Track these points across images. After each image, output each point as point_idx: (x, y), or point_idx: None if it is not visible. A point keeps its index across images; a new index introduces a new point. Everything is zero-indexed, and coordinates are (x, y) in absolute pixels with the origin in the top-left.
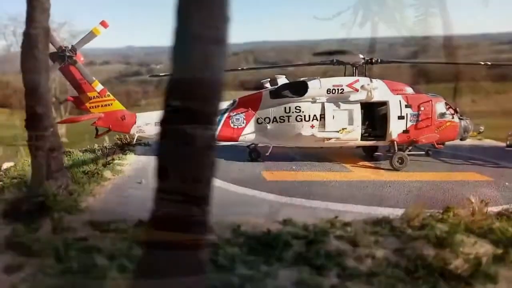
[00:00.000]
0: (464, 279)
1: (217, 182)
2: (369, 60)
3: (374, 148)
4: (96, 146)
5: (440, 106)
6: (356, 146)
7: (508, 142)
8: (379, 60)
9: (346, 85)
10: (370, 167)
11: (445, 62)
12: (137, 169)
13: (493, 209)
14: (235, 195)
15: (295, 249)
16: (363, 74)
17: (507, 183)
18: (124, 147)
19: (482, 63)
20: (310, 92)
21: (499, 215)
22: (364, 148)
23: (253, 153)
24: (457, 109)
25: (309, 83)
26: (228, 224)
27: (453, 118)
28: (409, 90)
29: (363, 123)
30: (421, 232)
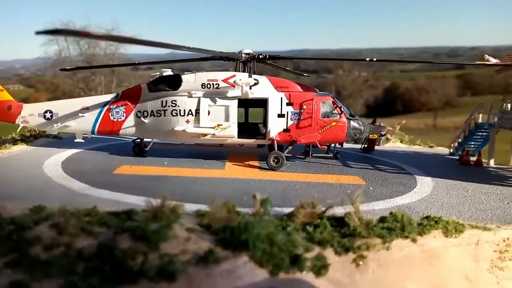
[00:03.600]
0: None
1: (51, 171)
2: (257, 56)
3: (280, 148)
4: None
5: (325, 105)
6: (241, 144)
7: (450, 150)
8: (267, 56)
9: (222, 80)
10: (252, 166)
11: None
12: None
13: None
14: (50, 181)
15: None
16: (251, 70)
17: (371, 188)
18: (26, 138)
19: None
20: (184, 86)
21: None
22: (270, 147)
23: (136, 148)
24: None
25: (183, 77)
26: None
27: (339, 118)
28: (296, 87)
29: (242, 120)
30: (132, 223)
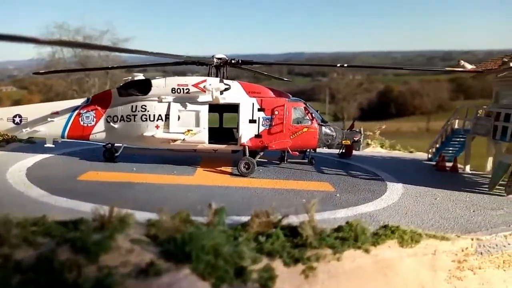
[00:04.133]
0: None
1: (14, 177)
2: (229, 61)
3: (254, 153)
4: None
5: (297, 111)
6: (214, 150)
7: (429, 156)
8: (239, 61)
9: (192, 85)
10: (223, 172)
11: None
12: None
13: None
14: (9, 188)
15: None
16: (224, 75)
17: (338, 195)
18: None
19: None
20: (154, 90)
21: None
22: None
23: (106, 153)
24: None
25: (153, 82)
26: None
27: (311, 124)
28: (269, 93)
29: (216, 125)
30: (75, 234)
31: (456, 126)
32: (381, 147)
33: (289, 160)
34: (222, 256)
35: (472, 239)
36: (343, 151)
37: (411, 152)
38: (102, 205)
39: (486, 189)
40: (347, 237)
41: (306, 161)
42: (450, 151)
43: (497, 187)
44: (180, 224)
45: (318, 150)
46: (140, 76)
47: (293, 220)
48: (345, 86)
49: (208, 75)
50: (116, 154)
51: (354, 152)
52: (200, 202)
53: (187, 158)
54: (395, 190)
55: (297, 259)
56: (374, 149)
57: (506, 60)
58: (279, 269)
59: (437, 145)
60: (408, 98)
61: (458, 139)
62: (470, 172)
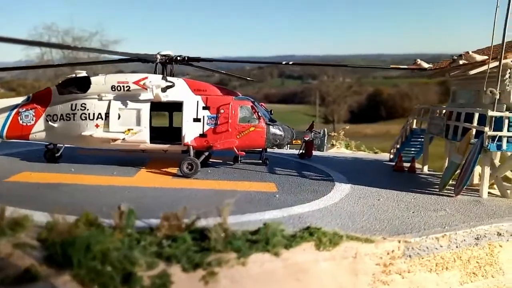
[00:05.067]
0: None
1: None
2: (175, 58)
3: (207, 155)
4: None
5: (243, 110)
6: (164, 150)
7: (390, 156)
8: (186, 58)
9: (133, 82)
10: (168, 173)
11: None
12: None
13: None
14: None
15: None
16: (170, 72)
17: (277, 196)
18: None
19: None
20: (94, 88)
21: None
22: (197, 154)
23: (47, 153)
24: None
25: (92, 79)
26: None
27: (258, 123)
28: (215, 91)
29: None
30: None
31: (414, 126)
32: (346, 148)
33: (243, 160)
34: (109, 261)
35: (399, 241)
36: (303, 151)
37: (375, 153)
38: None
39: (437, 190)
40: (260, 239)
41: (260, 161)
42: (413, 151)
43: (448, 187)
44: (76, 227)
45: (279, 150)
46: (83, 73)
47: (210, 223)
48: (335, 89)
49: (155, 72)
50: (57, 155)
51: (317, 153)
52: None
53: (136, 159)
54: (340, 191)
55: (197, 264)
56: (338, 150)
57: (456, 57)
58: (177, 275)
59: (398, 146)
60: (397, 100)
61: (418, 140)
62: (428, 172)
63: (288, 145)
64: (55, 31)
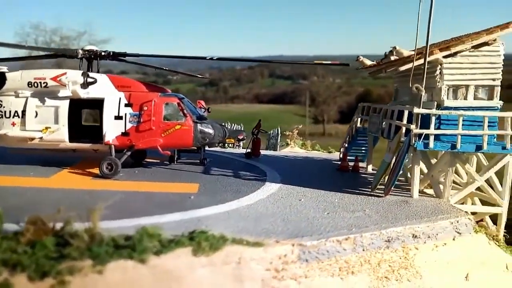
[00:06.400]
0: None
1: None
2: (99, 53)
3: (142, 154)
4: None
5: (169, 107)
6: (81, 149)
7: (340, 156)
8: (111, 53)
9: (50, 79)
10: (91, 174)
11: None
12: None
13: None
14: None
15: None
16: (94, 68)
17: (192, 197)
18: None
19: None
20: (9, 84)
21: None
22: (131, 154)
23: None
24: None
25: (8, 75)
26: None
27: (184, 121)
28: (141, 88)
29: (77, 122)
30: None
31: (358, 125)
32: (302, 146)
33: (180, 160)
34: None
35: (293, 245)
36: (249, 151)
37: (330, 152)
38: None
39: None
40: (127, 246)
41: (198, 161)
42: (363, 150)
43: (379, 187)
44: None
45: (230, 150)
46: (3, 69)
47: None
48: (325, 89)
49: (80, 68)
50: None
51: (269, 153)
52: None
53: (65, 158)
54: (265, 191)
55: (45, 272)
56: (292, 149)
57: (387, 53)
58: (21, 285)
59: (346, 145)
60: (386, 100)
61: (366, 139)
62: (372, 172)
63: (227, 144)
64: (43, 30)
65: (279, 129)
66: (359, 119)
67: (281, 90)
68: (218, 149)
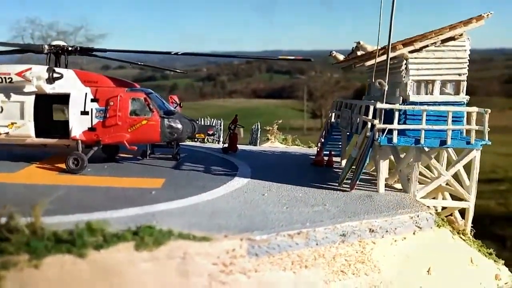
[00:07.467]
0: None
1: None
2: (66, 48)
3: (115, 149)
4: None
5: (135, 102)
6: (49, 144)
7: (318, 150)
8: (78, 48)
9: (15, 74)
10: (58, 169)
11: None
12: None
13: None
14: None
15: None
16: (63, 64)
17: (153, 192)
18: None
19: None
20: None
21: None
22: (104, 149)
23: None
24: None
25: None
26: None
27: (151, 116)
28: (108, 83)
29: (43, 117)
30: None
31: (333, 120)
32: (282, 141)
33: (152, 155)
34: None
35: (242, 240)
36: (226, 145)
37: (309, 147)
38: None
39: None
40: (70, 240)
41: (171, 156)
42: (340, 145)
43: (346, 181)
44: None
45: (208, 145)
46: None
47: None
48: (323, 84)
49: (47, 63)
50: None
51: (247, 147)
52: None
53: (35, 153)
54: (230, 186)
55: None
56: (272, 144)
57: (353, 48)
58: None
59: (322, 140)
60: None
61: (340, 134)
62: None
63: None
64: (39, 25)
65: (259, 124)
66: (333, 114)
67: (279, 85)
68: (197, 144)
